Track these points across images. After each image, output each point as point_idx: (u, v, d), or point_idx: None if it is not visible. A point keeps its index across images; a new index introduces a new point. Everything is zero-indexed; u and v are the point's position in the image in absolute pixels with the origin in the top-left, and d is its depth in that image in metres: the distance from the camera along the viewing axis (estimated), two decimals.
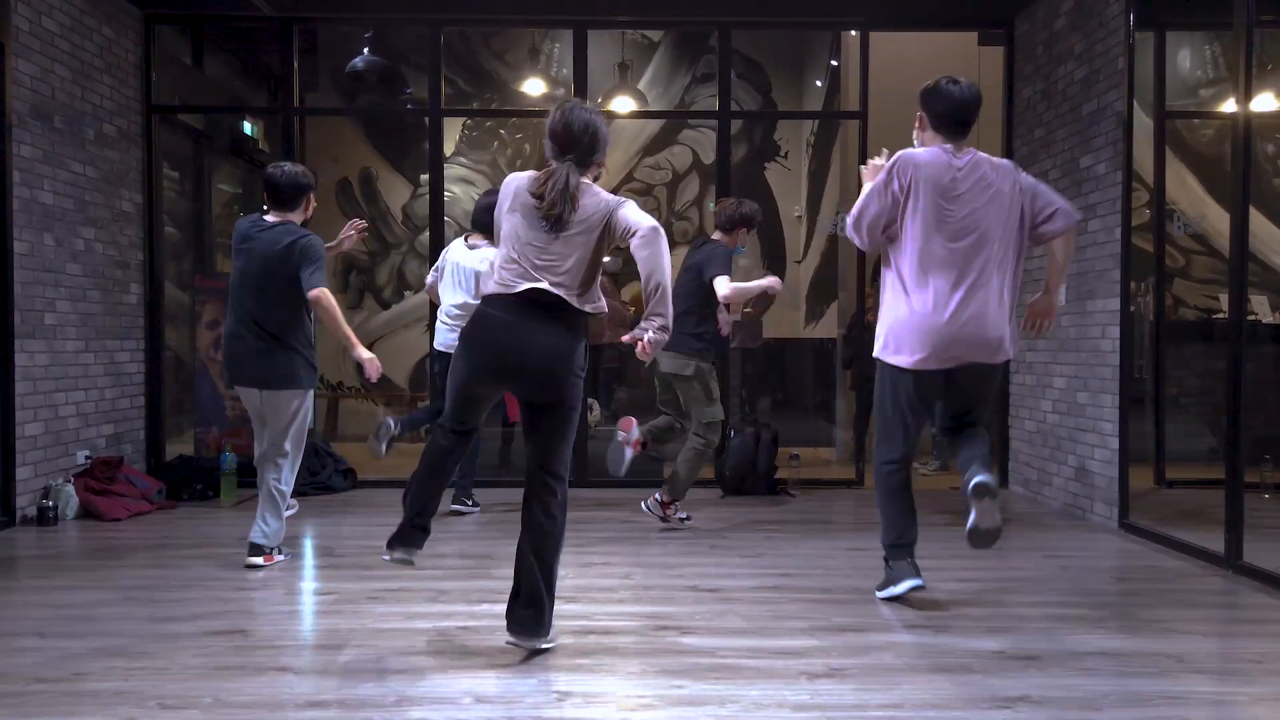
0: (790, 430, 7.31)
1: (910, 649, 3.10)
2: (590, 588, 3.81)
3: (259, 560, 4.12)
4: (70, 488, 5.27)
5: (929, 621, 3.40)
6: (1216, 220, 7.17)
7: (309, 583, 3.97)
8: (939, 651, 3.08)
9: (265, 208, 4.30)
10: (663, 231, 2.92)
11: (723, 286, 4.72)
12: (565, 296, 2.92)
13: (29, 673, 2.84)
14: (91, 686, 2.73)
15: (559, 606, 3.37)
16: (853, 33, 7.03)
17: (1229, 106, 6.85)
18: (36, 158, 5.16)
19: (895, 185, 3.50)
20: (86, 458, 5.55)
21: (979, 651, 3.07)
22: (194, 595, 3.70)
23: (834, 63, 8.73)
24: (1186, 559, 4.40)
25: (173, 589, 3.80)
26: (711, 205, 8.52)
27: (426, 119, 6.65)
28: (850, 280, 7.77)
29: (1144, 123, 5.81)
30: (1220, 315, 7.11)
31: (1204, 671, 2.92)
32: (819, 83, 9.31)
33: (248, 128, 8.04)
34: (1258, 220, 7.48)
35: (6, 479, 4.98)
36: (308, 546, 4.69)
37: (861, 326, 6.73)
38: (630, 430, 5.03)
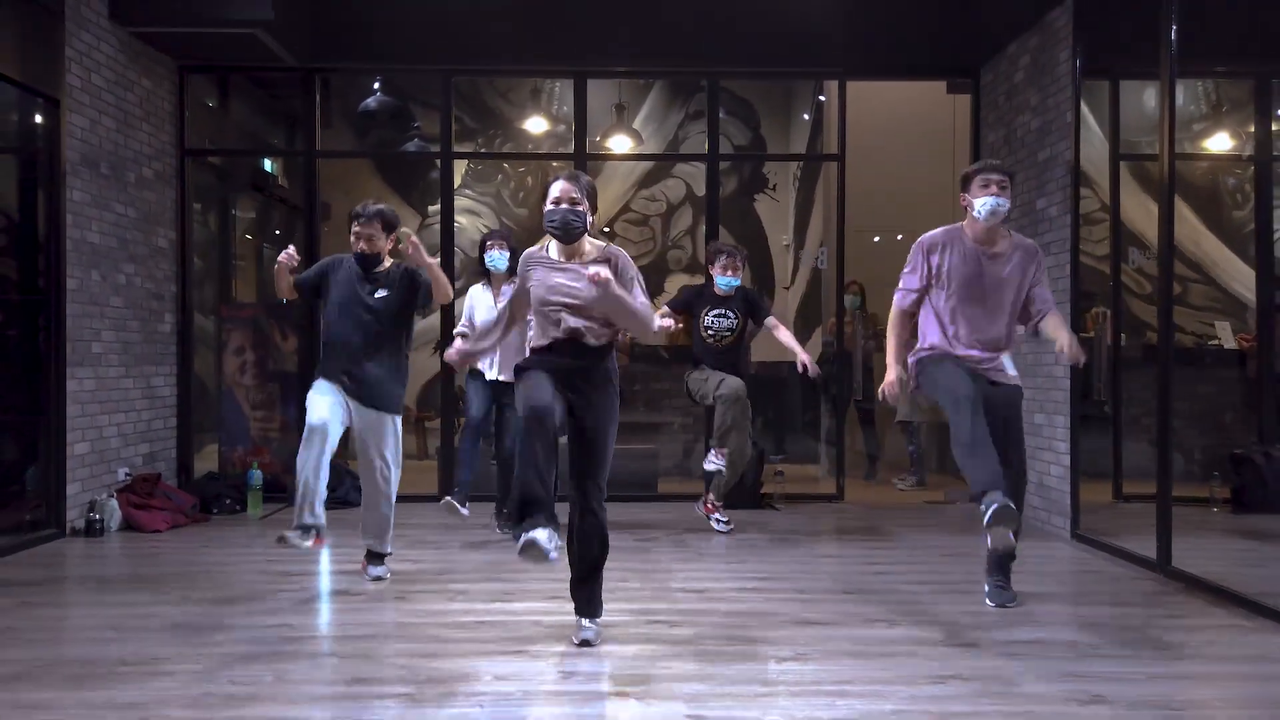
0: (778, 445, 7.86)
1: (865, 639, 3.60)
2: None
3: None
4: (114, 502, 5.77)
5: (885, 617, 3.90)
6: (1212, 250, 7.74)
7: (338, 585, 4.46)
8: (890, 641, 3.58)
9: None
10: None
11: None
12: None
13: (114, 656, 3.34)
14: (169, 668, 3.23)
15: (562, 604, 3.88)
16: (832, 82, 7.60)
17: (1191, 147, 7.44)
18: (86, 201, 5.69)
19: None
20: (127, 474, 6.05)
21: (924, 640, 3.58)
22: (239, 595, 4.20)
23: (821, 98, 9.31)
24: (1125, 564, 4.91)
25: (219, 589, 4.29)
26: (704, 237, 9.04)
27: (439, 161, 7.18)
28: (830, 305, 8.32)
29: (1103, 162, 6.34)
30: (1215, 341, 7.63)
31: (1114, 656, 3.42)
32: (806, 116, 9.88)
33: (267, 164, 8.59)
34: (1219, 250, 8.07)
35: (58, 495, 5.48)
36: (328, 556, 5.19)
37: (839, 353, 7.26)
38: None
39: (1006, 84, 6.45)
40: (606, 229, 9.52)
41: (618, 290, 3.31)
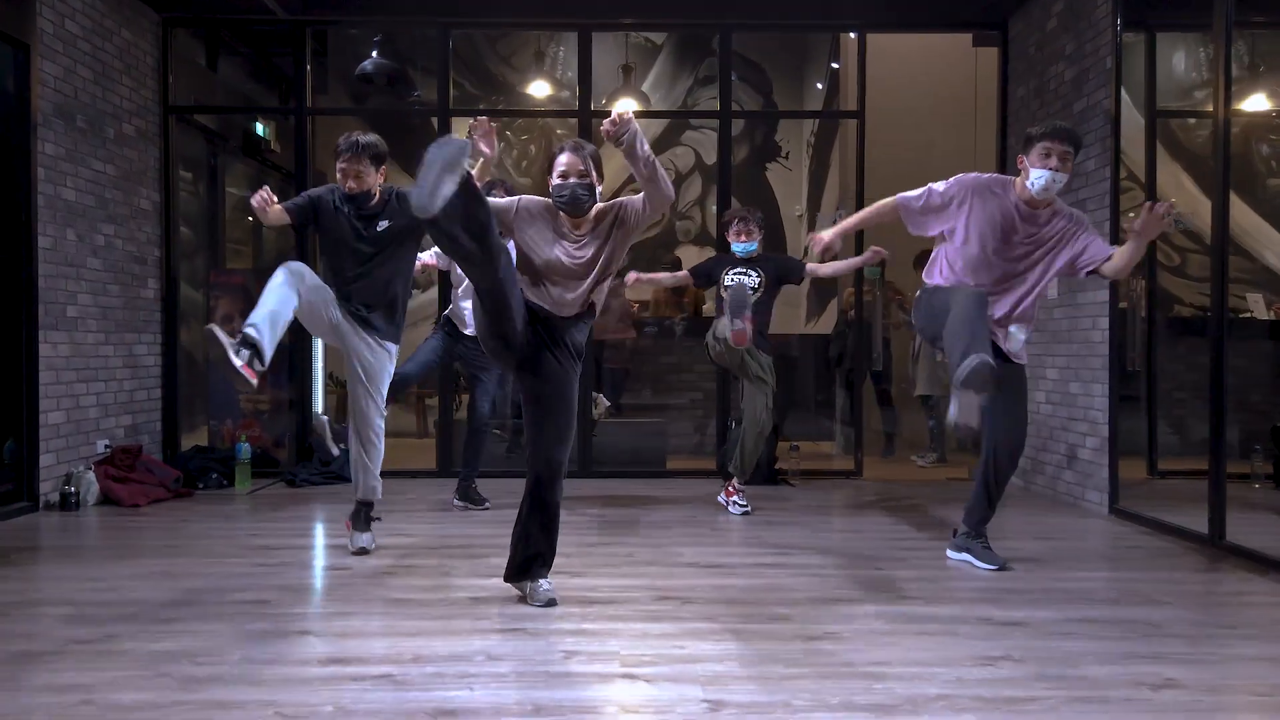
0: (791, 423, 7.48)
1: (900, 616, 3.25)
2: (595, 564, 3.97)
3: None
4: (91, 474, 5.44)
5: (920, 593, 3.55)
6: (1241, 218, 7.34)
7: (324, 560, 4.12)
8: (927, 619, 3.23)
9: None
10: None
11: None
12: None
13: (64, 633, 3.01)
14: (126, 646, 2.89)
15: (564, 579, 3.54)
16: (851, 35, 7.20)
17: (1248, 106, 7.04)
18: (60, 155, 5.34)
19: None
20: (106, 446, 5.71)
21: (965, 618, 3.23)
22: (215, 570, 3.87)
23: (834, 65, 8.91)
24: (1172, 539, 4.55)
25: (194, 564, 3.96)
26: (714, 206, 8.67)
27: (435, 119, 6.82)
28: (848, 278, 7.94)
29: (1137, 122, 5.97)
30: (1247, 314, 7.26)
31: (1180, 636, 3.07)
32: (819, 85, 9.48)
33: (260, 129, 8.22)
34: (1251, 218, 7.67)
35: (30, 465, 5.15)
36: (316, 531, 4.85)
37: (858, 324, 6.89)
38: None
39: (1038, 33, 6.06)
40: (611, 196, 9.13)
41: (642, 147, 3.07)
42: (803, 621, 3.17)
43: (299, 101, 6.67)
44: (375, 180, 4.09)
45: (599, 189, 3.31)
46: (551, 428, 3.29)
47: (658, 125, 9.49)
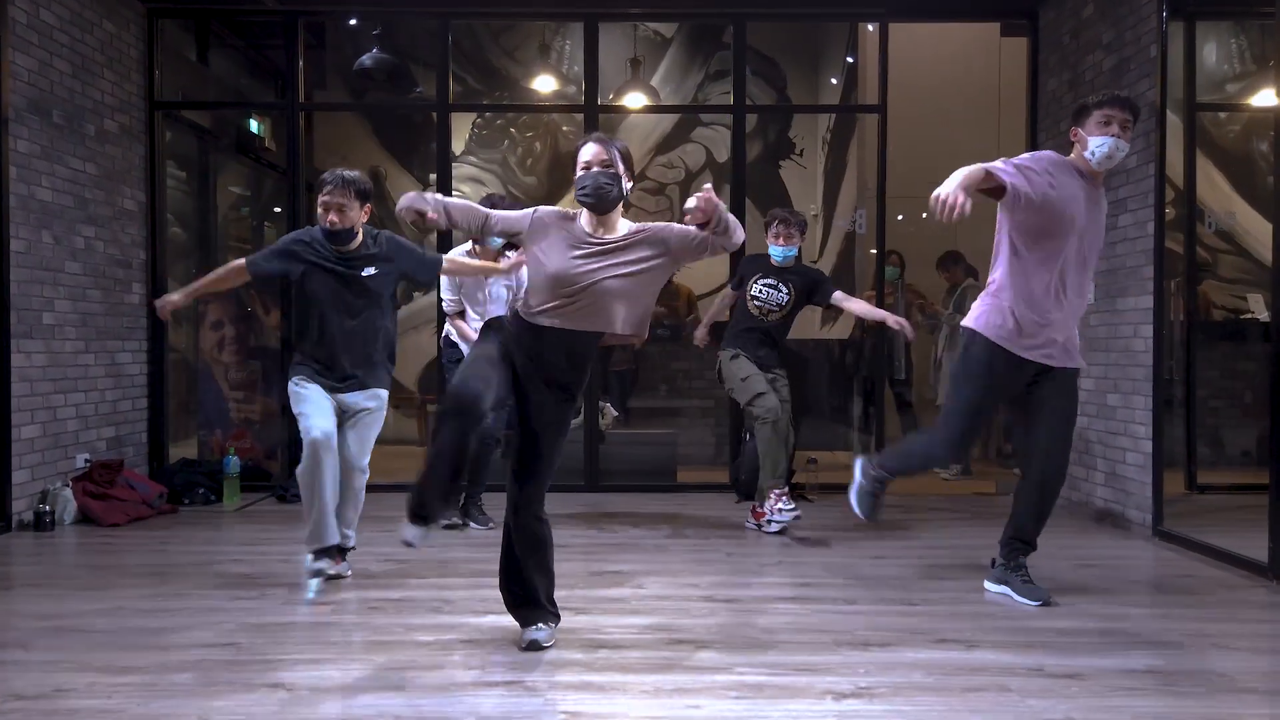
0: (807, 433, 7.13)
1: (941, 666, 2.91)
2: (600, 598, 3.64)
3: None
4: (68, 492, 5.13)
5: (959, 635, 3.21)
6: (1244, 219, 6.97)
7: (307, 593, 3.80)
8: (972, 669, 2.89)
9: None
10: None
11: None
12: None
13: (5, 688, 2.69)
14: (73, 704, 2.57)
15: (568, 617, 3.22)
16: (870, 27, 6.86)
17: (1261, 99, 6.66)
18: (34, 153, 5.03)
19: None
20: (86, 461, 5.41)
21: (1015, 668, 2.89)
22: (188, 605, 3.55)
23: (850, 60, 8.56)
24: (1226, 568, 4.19)
25: (166, 598, 3.64)
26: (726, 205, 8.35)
27: (435, 115, 6.50)
28: (865, 279, 7.60)
29: (1170, 119, 5.62)
30: (1249, 315, 6.91)
31: (1255, 690, 2.73)
32: (834, 80, 9.14)
33: (254, 126, 7.91)
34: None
35: (3, 483, 4.84)
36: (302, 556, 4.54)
37: (879, 329, 6.53)
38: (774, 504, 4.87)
39: (1073, 21, 5.70)
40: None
41: (726, 216, 2.78)
42: (833, 673, 2.84)
43: (291, 96, 6.35)
44: (359, 217, 3.81)
45: (628, 187, 2.96)
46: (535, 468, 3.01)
47: (667, 121, 9.14)
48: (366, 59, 8.50)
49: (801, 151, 9.35)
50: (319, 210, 3.77)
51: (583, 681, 2.77)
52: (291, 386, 3.83)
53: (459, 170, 8.54)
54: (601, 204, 2.90)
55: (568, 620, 3.20)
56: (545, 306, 2.91)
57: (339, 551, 3.89)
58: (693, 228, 2.86)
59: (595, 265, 2.88)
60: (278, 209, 8.29)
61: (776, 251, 4.98)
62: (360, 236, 3.85)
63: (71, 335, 5.36)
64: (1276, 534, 3.94)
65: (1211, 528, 4.73)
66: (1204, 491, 5.95)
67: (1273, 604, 3.69)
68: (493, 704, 2.60)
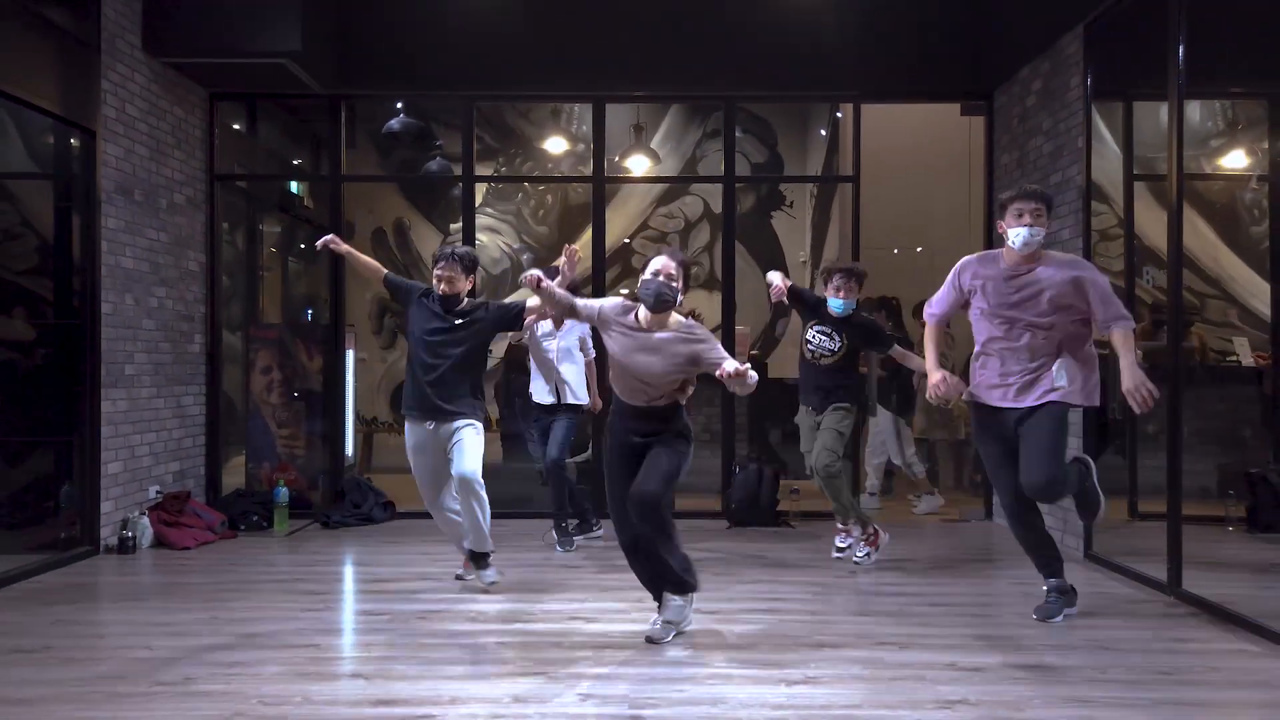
0: (796, 463, 7.90)
1: (876, 663, 3.69)
2: (607, 610, 4.42)
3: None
4: (145, 520, 5.93)
5: (897, 640, 3.98)
6: (1230, 266, 7.75)
7: (365, 605, 4.59)
8: (900, 664, 3.67)
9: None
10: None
11: None
12: None
13: (149, 676, 3.48)
14: (203, 688, 3.36)
15: (582, 625, 3.99)
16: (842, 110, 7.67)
17: (1231, 161, 7.43)
18: (120, 228, 5.87)
19: None
20: (158, 492, 6.21)
21: (934, 664, 3.66)
22: (267, 615, 4.34)
23: (839, 114, 9.40)
24: (1136, 586, 4.96)
25: (247, 609, 4.43)
26: (720, 254, 9.14)
27: (459, 185, 7.33)
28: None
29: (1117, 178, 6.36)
30: (1233, 358, 7.63)
31: (1119, 682, 3.48)
32: (823, 131, 9.97)
33: (294, 186, 8.78)
34: (1238, 266, 8.07)
35: (92, 512, 5.65)
36: (353, 574, 5.32)
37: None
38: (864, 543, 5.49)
39: (1019, 107, 6.53)
40: (627, 239, 9.66)
41: (751, 379, 3.58)
42: (789, 667, 3.61)
43: (334, 168, 7.19)
44: (465, 285, 4.66)
45: (681, 298, 3.82)
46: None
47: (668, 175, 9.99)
48: (395, 123, 9.40)
49: (791, 203, 10.18)
50: (434, 280, 4.67)
51: (594, 673, 3.55)
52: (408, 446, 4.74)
53: (476, 221, 9.37)
54: (660, 308, 3.77)
55: (580, 627, 3.98)
56: (619, 388, 3.86)
57: (472, 557, 4.77)
58: (722, 365, 3.61)
59: (646, 358, 3.77)
60: (310, 255, 9.15)
61: (836, 304, 5.32)
62: (465, 302, 4.68)
63: (146, 383, 6.17)
64: (1173, 555, 4.71)
65: (1141, 553, 5.46)
66: (1144, 519, 6.68)
67: (1164, 614, 4.45)
68: (524, 689, 3.38)
